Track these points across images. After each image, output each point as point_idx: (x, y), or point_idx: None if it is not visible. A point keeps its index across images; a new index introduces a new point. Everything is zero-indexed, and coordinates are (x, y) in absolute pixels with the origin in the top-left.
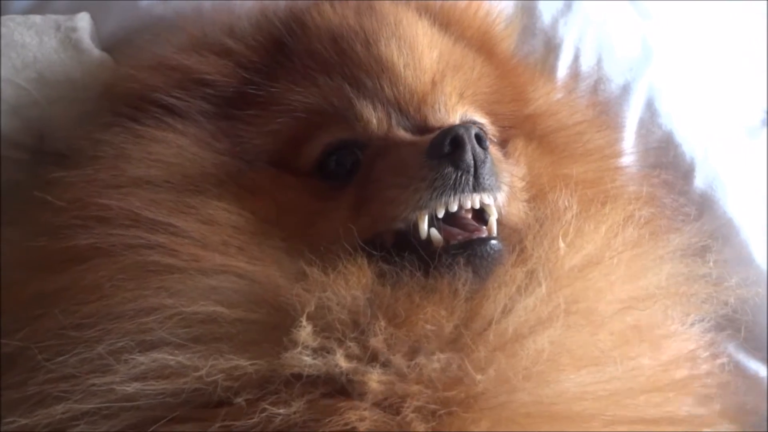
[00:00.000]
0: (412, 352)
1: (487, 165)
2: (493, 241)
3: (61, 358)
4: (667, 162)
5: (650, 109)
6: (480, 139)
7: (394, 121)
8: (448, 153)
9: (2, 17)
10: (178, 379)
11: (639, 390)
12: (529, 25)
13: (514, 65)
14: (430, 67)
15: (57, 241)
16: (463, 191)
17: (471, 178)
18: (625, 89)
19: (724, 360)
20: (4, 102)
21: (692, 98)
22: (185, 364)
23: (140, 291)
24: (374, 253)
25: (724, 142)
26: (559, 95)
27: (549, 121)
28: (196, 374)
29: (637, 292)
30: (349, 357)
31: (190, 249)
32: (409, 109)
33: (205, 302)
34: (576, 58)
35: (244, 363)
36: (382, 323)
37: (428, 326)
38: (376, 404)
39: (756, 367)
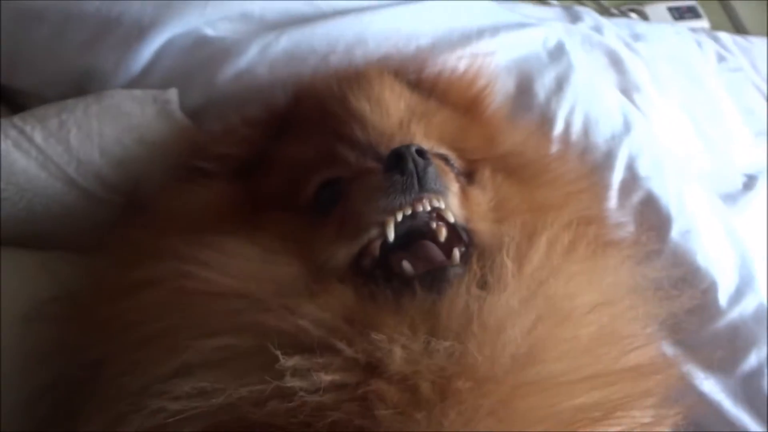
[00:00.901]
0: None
1: (429, 171)
2: (456, 268)
3: (127, 379)
4: (648, 217)
5: (631, 171)
6: (421, 153)
7: (368, 158)
8: (396, 165)
9: (111, 90)
10: (213, 398)
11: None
12: (527, 103)
13: (485, 115)
14: (396, 114)
15: (120, 274)
16: (410, 192)
17: (415, 181)
18: (609, 155)
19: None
20: (112, 156)
21: (667, 162)
22: (215, 386)
23: (176, 327)
24: (357, 274)
25: (696, 200)
26: (527, 136)
27: (517, 158)
28: (225, 394)
29: (598, 295)
30: (331, 371)
31: (211, 275)
32: (380, 147)
33: (221, 335)
34: (567, 129)
35: (258, 386)
36: (357, 336)
37: (396, 334)
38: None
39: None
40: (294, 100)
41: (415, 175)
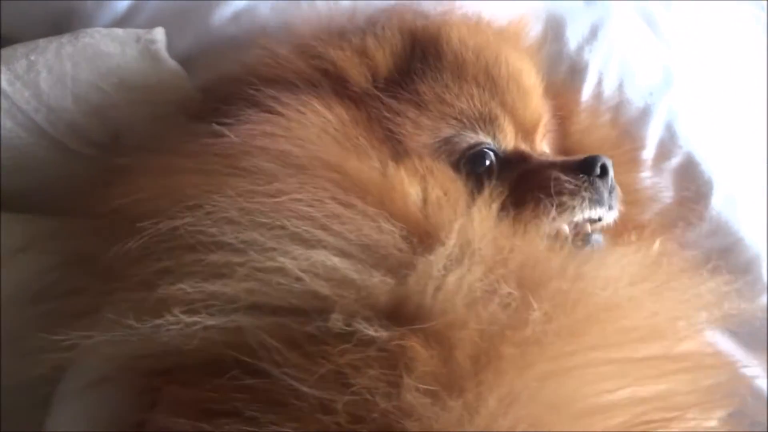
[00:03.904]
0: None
1: (616, 190)
2: (599, 236)
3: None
4: (688, 181)
5: (669, 130)
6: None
7: (519, 140)
8: (598, 174)
9: (88, 29)
10: (325, 283)
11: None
12: (557, 51)
13: (565, 101)
14: (537, 96)
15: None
16: (602, 205)
17: (610, 199)
18: (646, 112)
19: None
20: (87, 103)
21: (710, 122)
22: (341, 270)
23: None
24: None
25: (740, 165)
26: (588, 122)
27: (581, 146)
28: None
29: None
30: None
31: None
32: (527, 133)
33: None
34: (599, 83)
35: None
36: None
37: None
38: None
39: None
40: (439, 37)
41: (607, 192)
